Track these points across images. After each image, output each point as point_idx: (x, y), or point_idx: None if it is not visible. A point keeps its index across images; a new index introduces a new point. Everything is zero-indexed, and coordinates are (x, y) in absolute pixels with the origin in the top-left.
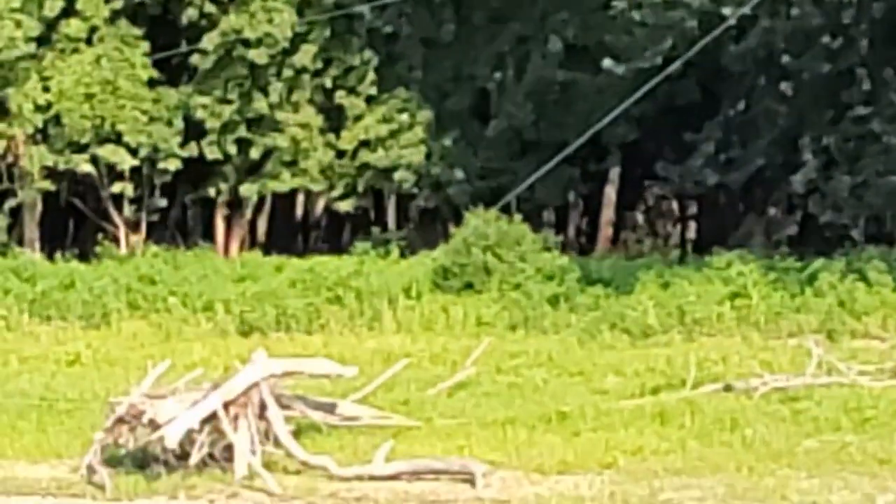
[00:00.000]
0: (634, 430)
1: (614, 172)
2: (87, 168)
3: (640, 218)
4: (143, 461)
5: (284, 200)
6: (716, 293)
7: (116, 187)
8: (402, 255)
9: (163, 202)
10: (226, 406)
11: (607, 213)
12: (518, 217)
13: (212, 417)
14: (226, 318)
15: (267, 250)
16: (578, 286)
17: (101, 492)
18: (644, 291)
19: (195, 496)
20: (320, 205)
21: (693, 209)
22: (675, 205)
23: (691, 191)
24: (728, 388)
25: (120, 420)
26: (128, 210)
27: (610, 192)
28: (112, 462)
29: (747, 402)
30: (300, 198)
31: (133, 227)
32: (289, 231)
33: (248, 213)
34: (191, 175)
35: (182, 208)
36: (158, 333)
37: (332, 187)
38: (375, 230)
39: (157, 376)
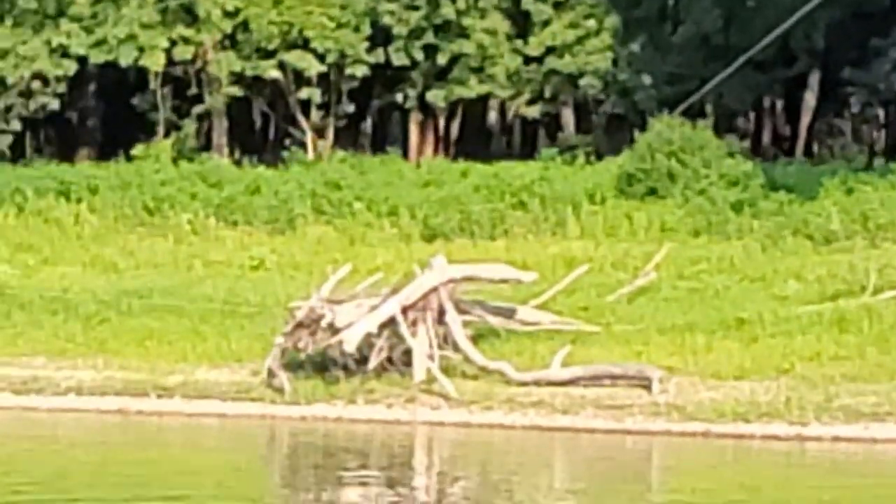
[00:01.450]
0: (812, 336)
1: (814, 79)
2: (274, 74)
3: (840, 124)
4: (322, 365)
5: (475, 107)
6: None
7: (304, 93)
8: (588, 161)
9: (350, 108)
10: (404, 311)
11: (805, 119)
12: (704, 123)
13: (390, 322)
14: (410, 223)
15: (457, 156)
16: (762, 192)
17: (280, 395)
18: (828, 197)
19: (373, 400)
20: (509, 111)
21: (881, 115)
22: (875, 111)
23: (883, 96)
24: None
25: (300, 325)
26: (315, 116)
27: (809, 99)
28: (292, 366)
29: None
30: (492, 104)
31: (320, 132)
32: (479, 137)
33: (441, 120)
34: (378, 81)
35: (370, 114)
36: (343, 238)
37: (518, 93)
38: (562, 136)
39: (337, 281)
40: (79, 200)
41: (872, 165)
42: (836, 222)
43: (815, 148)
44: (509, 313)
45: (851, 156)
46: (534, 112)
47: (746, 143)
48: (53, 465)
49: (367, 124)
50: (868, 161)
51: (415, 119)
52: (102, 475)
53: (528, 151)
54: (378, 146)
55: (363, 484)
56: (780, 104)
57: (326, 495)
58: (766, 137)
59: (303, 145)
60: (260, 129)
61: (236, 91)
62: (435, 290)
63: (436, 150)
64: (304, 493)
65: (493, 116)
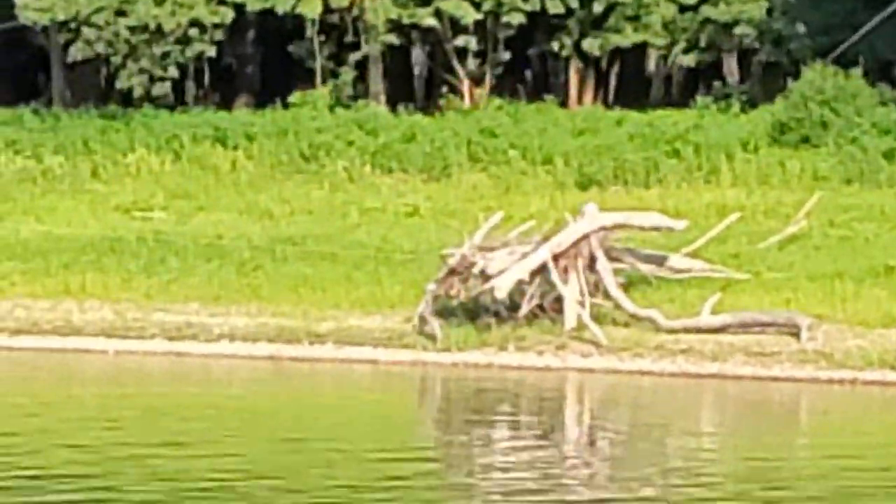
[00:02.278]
0: None
1: None
2: (430, 21)
3: None
4: (473, 312)
5: (634, 55)
6: None
7: (460, 41)
8: (743, 110)
9: (506, 56)
10: (556, 258)
11: None
12: (857, 72)
13: (542, 269)
14: (564, 171)
15: (616, 105)
16: None
17: (431, 342)
18: None
19: (524, 347)
20: (666, 60)
21: None
22: None
23: None
24: None
25: (452, 271)
26: (472, 64)
27: None
28: (443, 313)
29: None
30: (651, 53)
31: (477, 80)
32: (638, 86)
33: (600, 69)
34: (535, 29)
35: (529, 63)
36: (497, 186)
37: (674, 42)
38: (717, 85)
39: (489, 228)
40: (235, 147)
41: None
42: None
43: None
44: (660, 261)
45: None
46: (689, 61)
47: None
48: (206, 412)
49: (526, 73)
50: None
51: (574, 67)
52: (254, 422)
53: (686, 100)
54: (535, 94)
55: (515, 429)
56: None
57: (479, 440)
58: None
59: (459, 93)
60: (417, 76)
61: (393, 39)
62: (586, 237)
63: (595, 99)
64: (456, 439)
65: (651, 65)
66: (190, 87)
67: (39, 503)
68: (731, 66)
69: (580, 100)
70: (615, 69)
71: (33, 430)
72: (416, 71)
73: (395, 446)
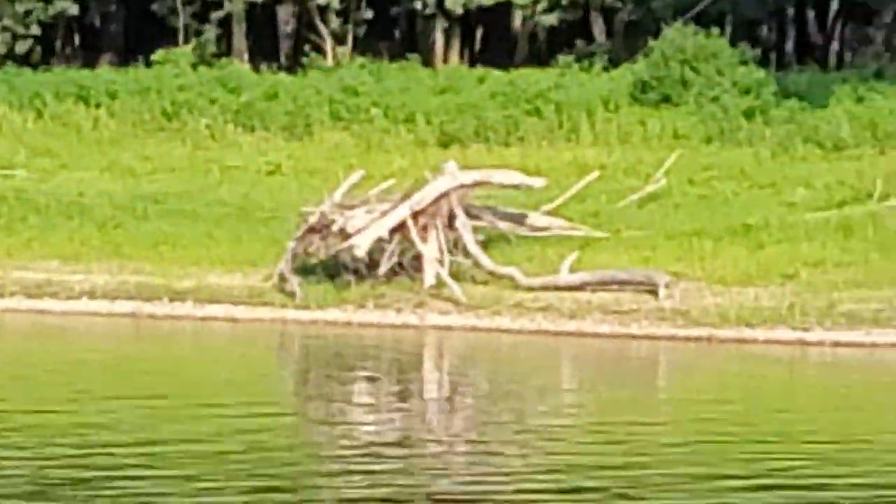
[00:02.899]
0: (818, 243)
1: None
2: None
3: (873, 33)
4: (333, 270)
5: (499, 14)
6: None
7: None
8: (606, 69)
9: (369, 14)
10: (415, 216)
11: (832, 29)
12: (719, 31)
13: (401, 227)
14: (426, 129)
15: (481, 64)
16: (774, 100)
17: (291, 300)
18: (839, 105)
19: (383, 305)
20: (528, 19)
21: None
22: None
23: None
24: None
25: (311, 229)
26: (334, 22)
27: (835, 6)
28: (303, 271)
29: None
30: (517, 12)
31: (340, 39)
32: (503, 45)
33: (468, 27)
34: None
35: (392, 21)
36: (359, 144)
37: (537, 1)
38: (580, 43)
39: (350, 186)
40: (98, 105)
41: (883, 73)
42: (846, 130)
43: (849, 57)
44: (520, 219)
45: (863, 64)
46: (552, 20)
47: (766, 53)
48: (65, 368)
49: (395, 32)
50: (878, 69)
51: (440, 26)
52: (114, 378)
53: (551, 60)
54: (403, 54)
55: (373, 386)
56: (811, 13)
57: (337, 397)
58: (790, 46)
59: (322, 52)
60: (282, 35)
61: None
62: (445, 195)
63: (461, 58)
64: (315, 395)
65: (517, 24)
66: (56, 45)
67: None
68: (587, 24)
69: (446, 59)
70: (481, 28)
71: None
72: (281, 29)
73: (252, 402)
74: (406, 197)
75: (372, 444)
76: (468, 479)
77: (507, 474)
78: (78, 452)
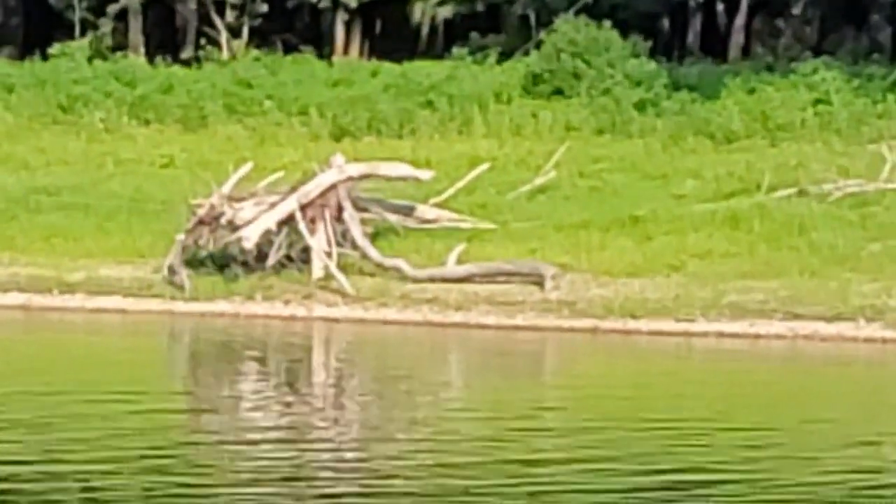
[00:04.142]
0: (705, 234)
1: None
2: None
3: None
4: (222, 262)
5: (400, 7)
6: (799, 99)
7: None
8: (498, 62)
9: (264, 7)
10: (303, 208)
11: (739, 20)
12: (610, 24)
13: (290, 219)
14: (319, 122)
15: (379, 56)
16: (665, 92)
17: (180, 292)
18: (730, 97)
19: (271, 297)
20: (424, 12)
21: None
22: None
23: None
24: (802, 193)
25: (201, 222)
26: (230, 15)
27: None
28: (193, 263)
29: (818, 207)
30: (416, 6)
31: (235, 32)
32: (403, 37)
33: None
34: None
35: (294, 14)
36: (253, 137)
37: None
38: (474, 36)
39: (239, 179)
40: None
41: (774, 66)
42: (737, 121)
43: (759, 49)
44: (408, 211)
45: (757, 56)
46: (446, 12)
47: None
48: None
49: (289, 24)
50: (770, 61)
51: (340, 19)
52: (3, 370)
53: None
54: (296, 46)
55: (261, 379)
56: (720, 5)
57: (225, 389)
58: (691, 37)
59: (218, 45)
60: (176, 29)
61: None
62: (333, 187)
63: (361, 51)
64: (203, 387)
65: (417, 16)
66: None
67: None
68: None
69: (347, 51)
70: (381, 21)
71: None
72: (178, 23)
73: (136, 393)
74: (294, 189)
75: (254, 433)
76: (345, 464)
77: (383, 470)
78: None
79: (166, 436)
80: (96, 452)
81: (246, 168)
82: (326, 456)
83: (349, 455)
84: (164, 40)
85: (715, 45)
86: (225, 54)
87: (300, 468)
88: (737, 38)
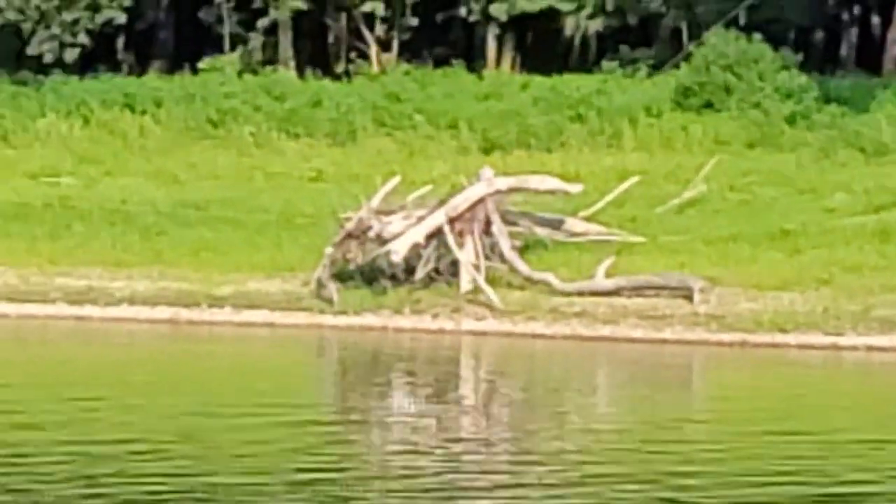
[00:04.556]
0: (855, 247)
1: None
2: None
3: None
4: (370, 276)
5: (551, 20)
6: None
7: (367, 6)
8: (648, 75)
9: (413, 21)
10: (451, 222)
11: (893, 33)
12: (761, 36)
13: (438, 233)
14: (468, 136)
15: (530, 70)
16: (816, 105)
17: (329, 305)
18: (881, 110)
19: (420, 310)
20: (576, 25)
21: None
22: None
23: None
24: None
25: (349, 235)
26: (379, 29)
27: None
28: (341, 277)
29: None
30: (568, 20)
31: (385, 46)
32: (555, 51)
33: (515, 34)
34: None
35: (437, 28)
36: (402, 151)
37: (580, 7)
38: (624, 49)
39: (388, 192)
40: (144, 112)
41: None
42: (888, 134)
43: None
44: (557, 224)
45: None
46: (596, 25)
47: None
48: (106, 374)
49: (440, 37)
50: None
51: (492, 33)
52: (157, 384)
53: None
54: (456, 60)
55: (410, 392)
56: (876, 19)
57: (374, 402)
58: (844, 50)
59: (368, 58)
60: (327, 42)
61: (300, 5)
62: (482, 201)
63: (513, 64)
64: (352, 400)
65: (568, 30)
66: (104, 53)
67: None
68: (630, 30)
69: (498, 64)
70: (532, 34)
71: None
72: (330, 37)
73: (287, 407)
74: (443, 203)
75: (408, 451)
76: (505, 478)
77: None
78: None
79: (322, 449)
80: (248, 462)
81: (394, 182)
82: (479, 473)
83: (499, 476)
84: (314, 54)
85: (870, 58)
86: (375, 68)
87: (448, 487)
88: (892, 51)
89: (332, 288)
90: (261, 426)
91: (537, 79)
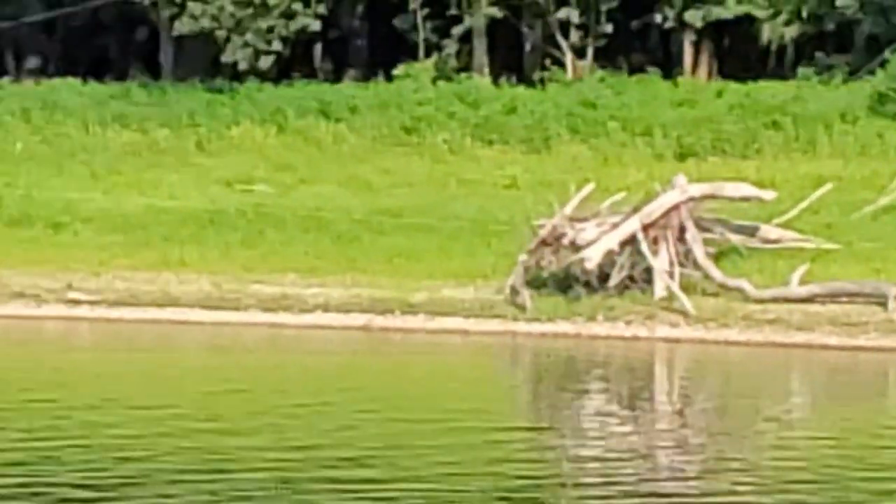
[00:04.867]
0: None
1: None
2: None
3: None
4: (564, 283)
5: (747, 26)
6: None
7: (562, 13)
8: (845, 81)
9: (608, 28)
10: (645, 229)
11: None
12: None
13: (632, 240)
14: (663, 143)
15: (727, 76)
16: None
17: (522, 312)
18: None
19: (613, 317)
20: (771, 31)
21: None
22: None
23: None
24: None
25: (543, 242)
26: (574, 36)
27: None
28: (535, 283)
29: None
30: (765, 26)
31: (579, 53)
32: (751, 57)
33: (710, 41)
34: (637, 1)
35: (633, 35)
36: (596, 157)
37: (777, 14)
38: (820, 56)
39: (582, 199)
40: (338, 120)
41: None
42: None
43: None
44: (751, 231)
45: None
46: (792, 32)
47: None
48: (303, 382)
49: (634, 44)
50: None
51: (688, 39)
52: (353, 393)
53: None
54: (651, 67)
55: (605, 399)
56: None
57: (569, 409)
58: None
59: (562, 65)
60: (521, 49)
61: (495, 12)
62: (676, 208)
63: (710, 71)
64: (547, 406)
65: (765, 36)
66: (301, 61)
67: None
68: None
69: (694, 72)
70: (728, 41)
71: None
72: (525, 44)
73: (482, 413)
74: (636, 210)
75: (610, 458)
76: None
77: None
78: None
79: (521, 456)
80: (449, 469)
81: (588, 188)
82: (678, 480)
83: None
84: (509, 61)
85: None
86: (569, 75)
87: (648, 494)
88: None
89: (526, 295)
90: (457, 432)
91: (732, 85)
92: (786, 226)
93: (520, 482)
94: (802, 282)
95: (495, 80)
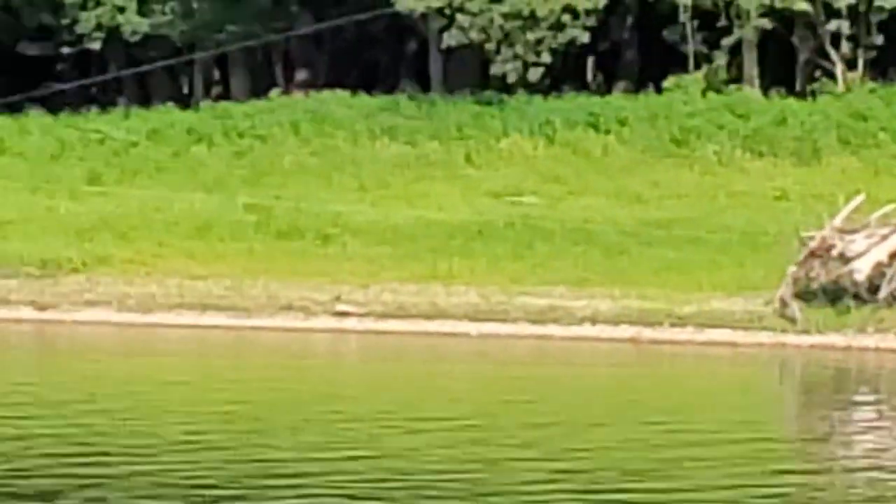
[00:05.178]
0: None
1: None
2: (803, 6)
3: None
4: (834, 295)
5: None
6: None
7: (833, 25)
8: None
9: (879, 39)
10: None
11: None
12: None
13: None
14: None
15: None
16: None
17: (791, 325)
18: None
19: (883, 329)
20: None
21: None
22: None
23: None
24: None
25: (811, 254)
26: (845, 47)
27: None
28: (804, 296)
29: None
30: None
31: (850, 64)
32: None
33: None
34: None
35: None
36: (867, 169)
37: None
38: None
39: (851, 211)
40: (607, 132)
41: None
42: None
43: None
44: None
45: None
46: None
47: None
48: (576, 392)
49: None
50: None
51: None
52: (628, 403)
53: None
54: None
55: (877, 411)
56: None
57: (840, 421)
58: None
59: (832, 77)
60: (792, 61)
61: (766, 23)
62: None
63: None
64: (818, 419)
65: None
66: (572, 72)
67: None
68: None
69: None
70: None
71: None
72: (798, 56)
73: (751, 424)
74: None
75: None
76: None
77: None
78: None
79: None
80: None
81: (858, 200)
82: None
83: None
84: (779, 73)
85: None
86: (840, 86)
87: None
88: None
89: (796, 307)
90: (734, 444)
91: None
92: None
93: (790, 489)
94: None
95: (765, 92)
